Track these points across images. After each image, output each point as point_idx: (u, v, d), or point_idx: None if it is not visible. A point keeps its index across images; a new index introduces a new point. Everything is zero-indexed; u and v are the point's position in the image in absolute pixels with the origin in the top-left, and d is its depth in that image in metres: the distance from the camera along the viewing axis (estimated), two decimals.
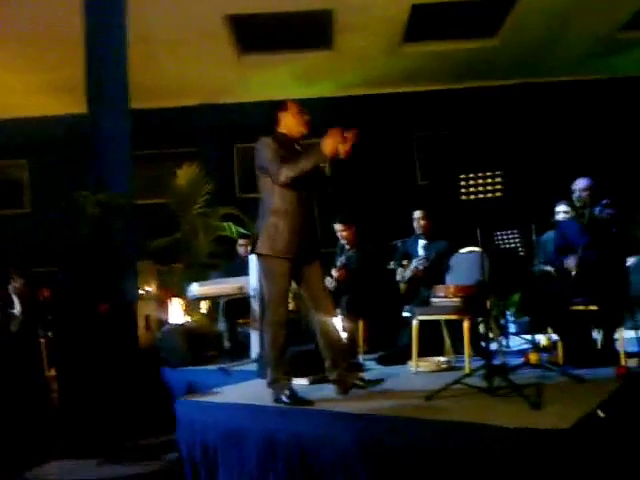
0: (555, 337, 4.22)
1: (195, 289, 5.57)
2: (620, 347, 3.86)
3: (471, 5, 8.53)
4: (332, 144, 3.34)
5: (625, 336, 3.96)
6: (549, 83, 10.55)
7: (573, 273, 4.13)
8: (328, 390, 3.70)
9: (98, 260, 5.55)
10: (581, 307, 3.99)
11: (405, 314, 4.84)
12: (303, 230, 3.54)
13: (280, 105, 3.73)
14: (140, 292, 5.97)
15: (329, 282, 5.69)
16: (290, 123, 3.66)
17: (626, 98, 10.05)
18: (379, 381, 3.77)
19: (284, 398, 3.46)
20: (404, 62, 9.80)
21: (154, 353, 5.23)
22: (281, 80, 10.29)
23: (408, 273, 5.10)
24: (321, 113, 10.59)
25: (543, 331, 4.49)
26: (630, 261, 4.62)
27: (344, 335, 5.18)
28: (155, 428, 4.17)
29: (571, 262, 4.16)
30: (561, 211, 4.77)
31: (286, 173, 3.43)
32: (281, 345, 3.55)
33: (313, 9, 8.43)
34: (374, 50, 9.50)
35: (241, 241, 6.38)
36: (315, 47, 9.45)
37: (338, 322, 5.45)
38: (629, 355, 3.86)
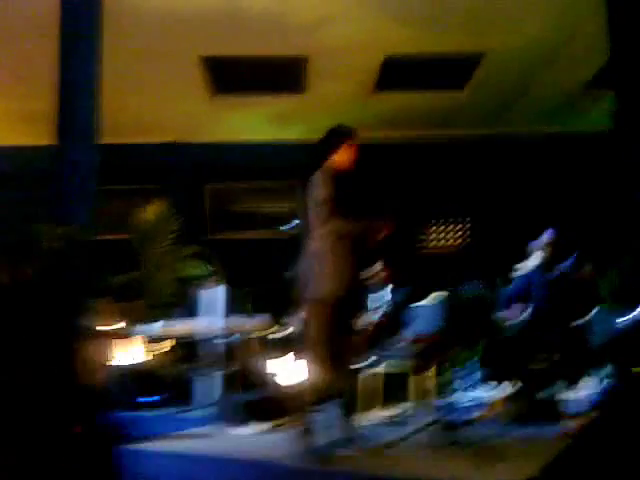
0: (513, 390, 4.20)
1: (154, 328, 5.45)
2: (576, 403, 3.86)
3: (441, 59, 8.80)
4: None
5: (583, 391, 3.96)
6: (513, 135, 10.84)
7: (514, 320, 4.18)
8: (285, 439, 3.59)
9: (52, 295, 5.38)
10: (539, 362, 3.99)
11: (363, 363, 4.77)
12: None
13: (347, 133, 3.59)
14: (95, 330, 5.78)
15: (296, 326, 5.61)
16: (347, 154, 3.55)
17: (588, 153, 10.37)
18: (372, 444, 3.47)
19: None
20: (375, 109, 10.00)
21: (102, 395, 5.02)
22: (254, 122, 10.38)
23: (370, 321, 5.06)
24: (293, 156, 10.75)
25: (501, 385, 4.47)
26: (591, 314, 4.66)
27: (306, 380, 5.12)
28: (97, 478, 3.96)
29: (515, 310, 4.21)
30: (530, 262, 4.82)
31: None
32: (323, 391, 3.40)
33: (288, 55, 8.58)
34: (347, 96, 9.68)
35: (207, 281, 6.29)
36: (289, 91, 9.58)
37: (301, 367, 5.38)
38: (585, 412, 3.85)
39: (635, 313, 4.19)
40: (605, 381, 4.83)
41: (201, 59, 8.60)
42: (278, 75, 9.19)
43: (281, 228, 10.70)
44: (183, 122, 10.31)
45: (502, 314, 4.42)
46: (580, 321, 4.23)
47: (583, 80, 9.48)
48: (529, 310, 4.28)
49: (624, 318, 4.33)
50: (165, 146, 10.74)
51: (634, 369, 3.63)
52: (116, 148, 9.34)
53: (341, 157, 3.50)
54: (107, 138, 7.25)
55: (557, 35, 8.10)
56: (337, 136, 3.58)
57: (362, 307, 3.66)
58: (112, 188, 9.67)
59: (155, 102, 9.52)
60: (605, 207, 9.33)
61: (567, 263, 4.19)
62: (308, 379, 3.49)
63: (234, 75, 9.18)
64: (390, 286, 5.27)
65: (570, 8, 7.56)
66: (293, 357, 5.60)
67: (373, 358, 4.42)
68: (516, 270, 4.71)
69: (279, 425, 4.03)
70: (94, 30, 6.96)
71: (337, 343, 3.31)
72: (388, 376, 4.34)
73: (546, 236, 4.51)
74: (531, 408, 3.94)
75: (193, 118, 10.19)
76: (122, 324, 6.28)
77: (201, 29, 7.82)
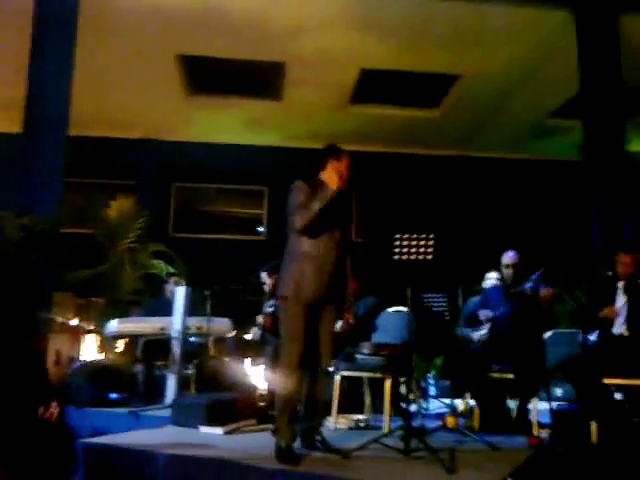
0: (473, 403, 4.28)
1: (114, 326, 5.32)
2: (533, 417, 3.96)
3: (417, 76, 8.97)
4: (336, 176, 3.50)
5: (539, 407, 4.07)
6: (483, 158, 11.13)
7: (477, 333, 4.28)
8: (242, 441, 3.57)
9: (12, 286, 5.24)
10: (498, 375, 4.09)
11: (329, 369, 4.79)
12: (329, 275, 3.47)
13: (334, 151, 3.69)
14: (54, 324, 5.65)
15: (254, 331, 5.60)
16: (334, 174, 3.61)
17: (552, 179, 10.71)
18: (339, 451, 3.38)
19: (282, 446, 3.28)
20: (350, 121, 10.11)
21: (61, 390, 4.90)
22: (228, 124, 10.36)
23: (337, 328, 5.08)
24: (266, 161, 10.73)
25: (462, 396, 4.55)
26: (548, 334, 4.80)
27: (266, 385, 5.10)
28: (56, 472, 3.86)
29: (484, 314, 4.31)
30: (492, 278, 4.92)
31: (299, 222, 3.43)
32: (292, 391, 3.41)
33: (265, 60, 8.61)
34: (322, 106, 9.76)
35: (169, 280, 6.21)
36: (265, 96, 9.60)
37: (261, 372, 5.36)
38: (542, 426, 3.96)
39: (591, 337, 4.32)
40: (559, 399, 4.98)
41: (178, 58, 8.55)
42: (255, 80, 9.20)
43: (259, 230, 10.72)
44: (156, 119, 10.22)
45: (466, 329, 4.50)
46: (538, 339, 4.34)
47: (551, 109, 9.81)
48: (489, 325, 4.37)
49: (580, 340, 4.47)
50: (135, 142, 10.61)
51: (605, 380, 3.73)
52: (86, 141, 9.22)
53: (329, 175, 3.58)
54: (78, 130, 7.15)
55: (530, 62, 8.36)
56: (322, 154, 3.66)
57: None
58: (80, 181, 9.54)
59: (128, 98, 9.41)
60: (566, 233, 9.66)
61: (528, 283, 4.30)
62: (273, 381, 3.53)
63: (210, 76, 9.15)
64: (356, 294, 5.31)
65: (544, 37, 7.82)
66: (251, 361, 5.60)
67: (338, 364, 4.44)
68: (485, 280, 4.80)
69: (241, 427, 4.01)
70: (68, 20, 6.87)
71: (300, 341, 3.41)
72: (353, 382, 4.37)
73: (509, 255, 4.63)
74: (491, 418, 4.03)
75: (166, 116, 10.11)
76: (83, 319, 6.17)
77: (179, 27, 7.78)
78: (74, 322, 6.02)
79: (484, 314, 4.43)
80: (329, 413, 4.36)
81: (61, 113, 6.65)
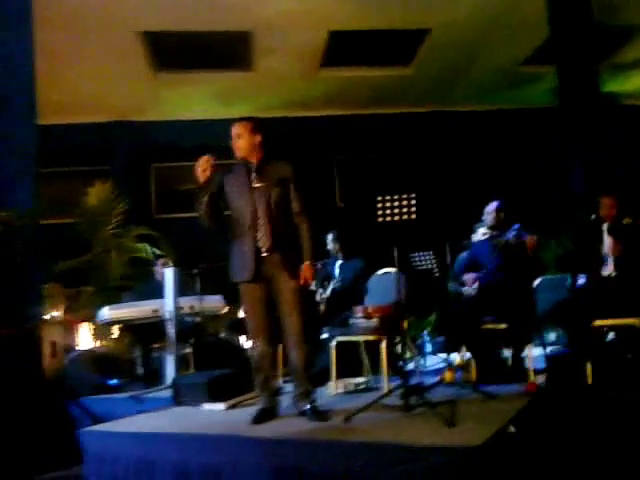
0: (468, 356, 4.35)
1: (106, 313, 5.31)
2: (529, 364, 4.03)
3: (386, 34, 8.84)
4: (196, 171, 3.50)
5: (533, 354, 4.14)
6: (458, 112, 11.07)
7: (469, 289, 4.33)
8: (245, 415, 3.61)
9: None
10: (491, 326, 4.15)
11: (323, 336, 4.84)
12: (256, 250, 3.51)
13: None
14: (46, 317, 5.62)
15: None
16: None
17: (529, 127, 10.70)
18: (326, 416, 3.47)
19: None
20: (322, 86, 9.98)
21: (60, 381, 4.91)
22: (199, 99, 10.19)
23: (327, 294, 5.11)
24: None
25: (457, 350, 4.62)
26: (537, 281, 4.85)
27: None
28: (61, 461, 3.89)
29: (469, 278, 4.35)
30: (480, 232, 4.94)
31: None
32: (264, 370, 3.62)
33: (231, 30, 8.42)
34: (293, 73, 9.61)
35: (157, 262, 6.18)
36: (234, 67, 9.44)
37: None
38: (537, 372, 4.03)
39: (580, 280, 4.38)
40: (553, 344, 5.08)
41: (141, 35, 8.34)
42: (222, 51, 9.02)
43: None
44: (125, 100, 10.00)
45: (455, 284, 4.54)
46: (527, 287, 4.40)
47: (523, 56, 9.73)
48: (480, 278, 4.41)
49: (569, 285, 4.53)
50: (107, 125, 10.40)
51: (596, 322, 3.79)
52: (57, 129, 9.01)
53: None
54: (46, 119, 6.97)
55: (497, 9, 8.24)
56: None
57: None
58: (53, 170, 9.36)
59: (95, 81, 9.18)
60: (547, 180, 9.71)
61: (510, 232, 4.32)
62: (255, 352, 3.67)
63: (176, 51, 8.95)
64: (339, 261, 5.33)
65: None
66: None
67: (330, 330, 4.48)
68: (474, 234, 4.82)
69: (243, 401, 4.04)
70: (24, 5, 6.62)
71: (252, 317, 3.60)
72: (348, 347, 4.40)
73: (492, 206, 4.64)
74: (488, 369, 4.10)
75: (135, 96, 9.90)
76: (74, 309, 6.14)
77: (141, 3, 7.57)
78: (66, 312, 5.99)
79: (468, 277, 4.45)
80: (319, 382, 4.41)
81: (28, 101, 6.47)
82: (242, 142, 3.60)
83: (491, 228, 4.58)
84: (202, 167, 3.50)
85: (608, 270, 4.13)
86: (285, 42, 8.69)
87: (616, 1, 8.04)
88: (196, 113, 10.44)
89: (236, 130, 3.62)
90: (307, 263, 3.55)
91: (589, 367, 3.73)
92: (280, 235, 3.54)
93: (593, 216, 4.30)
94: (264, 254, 3.52)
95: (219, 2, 7.68)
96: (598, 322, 3.87)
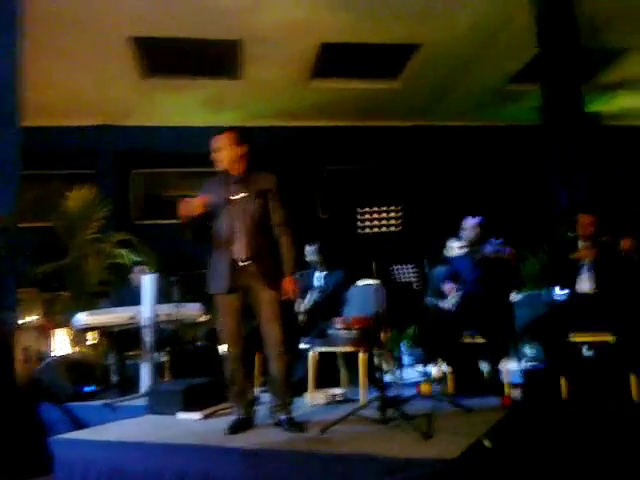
0: (446, 368, 4.35)
1: (82, 319, 5.23)
2: (505, 378, 4.04)
3: (377, 47, 8.90)
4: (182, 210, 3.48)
5: (510, 368, 4.15)
6: (445, 127, 11.17)
7: (446, 303, 4.34)
8: (221, 424, 3.57)
9: None
10: (470, 340, 4.16)
11: (302, 346, 4.81)
12: (233, 263, 3.50)
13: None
14: (20, 321, 5.52)
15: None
16: None
17: (513, 144, 10.82)
18: (303, 427, 3.45)
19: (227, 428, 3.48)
20: (312, 97, 10.00)
21: (33, 387, 4.81)
22: (187, 106, 10.14)
23: (308, 304, 5.09)
24: None
25: (435, 363, 4.62)
26: (516, 297, 4.88)
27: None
28: (32, 469, 3.81)
29: (448, 288, 4.37)
30: (454, 246, 4.96)
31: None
32: (239, 380, 3.60)
33: (221, 38, 8.43)
34: (283, 83, 9.62)
35: (136, 269, 6.11)
36: (223, 75, 9.41)
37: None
38: (513, 386, 4.05)
39: (557, 295, 4.41)
40: (529, 359, 5.10)
41: (131, 40, 8.30)
42: (212, 59, 8.99)
43: None
44: (112, 105, 9.92)
45: (433, 298, 4.55)
46: (505, 302, 4.42)
47: (511, 73, 9.85)
48: (459, 292, 4.42)
49: (546, 300, 4.56)
50: (92, 129, 10.31)
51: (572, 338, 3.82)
52: (39, 131, 8.89)
53: None
54: (30, 120, 6.87)
55: (487, 27, 8.34)
56: None
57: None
58: (35, 173, 9.23)
59: (82, 84, 9.10)
60: (528, 196, 9.81)
61: (490, 247, 4.35)
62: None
63: (166, 57, 8.90)
64: (320, 272, 5.32)
65: (500, 1, 7.81)
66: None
67: (311, 341, 4.46)
68: (449, 249, 4.84)
69: (219, 410, 4.00)
70: (11, 7, 6.56)
71: (226, 330, 3.60)
72: (326, 358, 4.38)
73: (473, 221, 4.67)
74: (465, 382, 4.11)
75: (122, 101, 9.83)
76: (49, 314, 6.04)
77: (130, 9, 7.53)
78: (41, 317, 5.89)
79: (447, 287, 4.48)
80: (297, 392, 4.37)
81: (11, 103, 6.40)
82: (224, 154, 3.58)
83: (470, 243, 4.59)
84: (193, 209, 3.47)
85: (586, 287, 4.15)
86: (275, 52, 8.70)
87: (601, 24, 8.19)
88: (182, 120, 10.41)
89: (217, 143, 3.60)
90: (289, 277, 3.54)
91: (564, 382, 3.75)
92: (258, 246, 3.52)
93: (572, 234, 4.34)
94: (241, 264, 3.50)
95: (210, 10, 7.67)
96: (575, 337, 3.90)
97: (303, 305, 5.12)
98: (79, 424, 4.34)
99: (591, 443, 3.09)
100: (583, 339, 3.96)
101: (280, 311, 3.55)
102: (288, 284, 3.53)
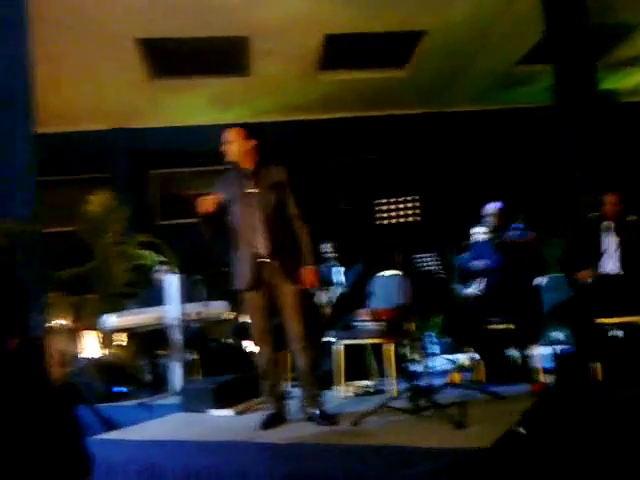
0: (476, 356, 4.35)
1: (111, 320, 5.32)
2: (536, 364, 4.04)
3: (383, 36, 8.84)
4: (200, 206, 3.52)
5: (541, 352, 4.14)
6: (456, 112, 11.09)
7: (473, 289, 4.33)
8: (253, 420, 3.61)
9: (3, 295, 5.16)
10: (498, 326, 4.15)
11: (328, 339, 4.84)
12: (255, 258, 3.51)
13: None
14: (50, 325, 5.61)
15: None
16: None
17: (529, 127, 10.71)
18: (334, 420, 3.48)
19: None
20: (320, 89, 9.98)
21: (67, 390, 4.90)
22: (196, 105, 10.18)
23: (331, 298, 5.12)
24: None
25: (464, 351, 4.62)
26: (543, 280, 4.85)
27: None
28: (73, 472, 3.88)
29: (478, 264, 4.36)
30: (478, 233, 4.94)
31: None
32: (270, 376, 3.64)
33: (227, 35, 8.43)
34: (290, 77, 9.61)
35: (160, 269, 6.18)
36: (231, 73, 9.43)
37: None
38: (545, 371, 4.04)
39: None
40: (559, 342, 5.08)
41: (138, 41, 8.33)
42: (219, 56, 9.01)
43: None
44: (123, 107, 9.99)
45: (460, 285, 4.55)
46: (532, 286, 4.40)
47: (519, 56, 9.75)
48: (485, 279, 4.41)
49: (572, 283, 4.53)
50: (105, 133, 10.40)
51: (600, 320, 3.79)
52: (55, 137, 9.00)
53: None
54: (45, 127, 6.97)
55: (492, 9, 8.25)
56: None
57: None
58: (54, 179, 9.35)
59: (92, 88, 9.17)
60: (546, 178, 9.72)
61: (513, 232, 4.33)
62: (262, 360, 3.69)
63: (173, 57, 8.93)
64: (338, 267, 5.34)
65: None
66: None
67: (337, 334, 4.48)
68: (472, 235, 4.81)
69: (252, 406, 4.05)
70: (19, 12, 6.59)
71: (255, 325, 3.64)
72: (352, 350, 4.40)
73: (494, 207, 4.64)
74: (496, 370, 4.11)
75: (132, 103, 9.88)
76: (78, 317, 6.13)
77: (137, 10, 7.56)
78: (70, 321, 5.98)
79: (476, 265, 4.45)
80: (325, 386, 4.39)
81: (25, 111, 6.46)
82: (234, 147, 3.61)
83: (493, 229, 4.58)
84: (208, 206, 3.51)
85: (613, 268, 4.12)
86: (281, 46, 8.69)
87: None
88: (193, 119, 10.44)
89: (227, 136, 3.63)
90: (309, 267, 3.56)
91: (599, 365, 3.72)
92: (278, 240, 3.54)
93: (593, 214, 4.31)
94: (263, 260, 3.52)
95: (215, 8, 7.67)
96: (604, 320, 3.88)
97: (327, 298, 5.14)
98: (114, 425, 4.42)
99: (625, 427, 3.08)
100: (611, 321, 3.94)
101: (301, 306, 3.57)
102: (308, 274, 3.54)
